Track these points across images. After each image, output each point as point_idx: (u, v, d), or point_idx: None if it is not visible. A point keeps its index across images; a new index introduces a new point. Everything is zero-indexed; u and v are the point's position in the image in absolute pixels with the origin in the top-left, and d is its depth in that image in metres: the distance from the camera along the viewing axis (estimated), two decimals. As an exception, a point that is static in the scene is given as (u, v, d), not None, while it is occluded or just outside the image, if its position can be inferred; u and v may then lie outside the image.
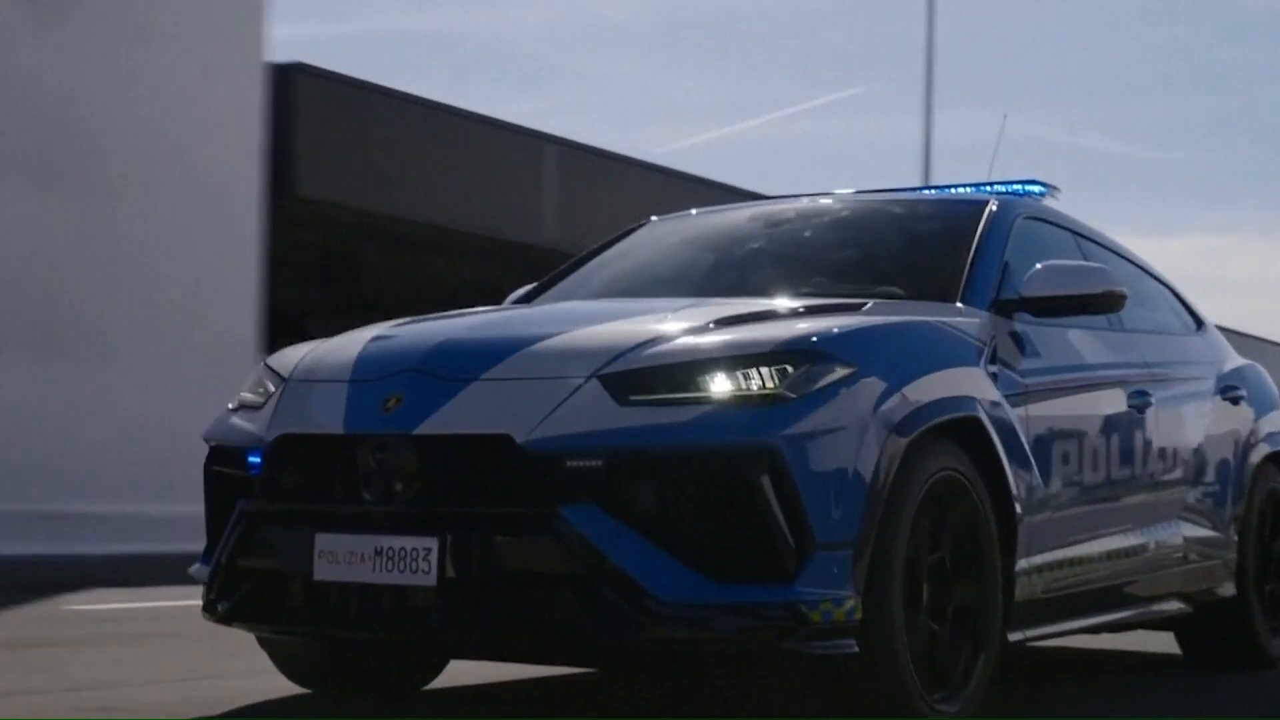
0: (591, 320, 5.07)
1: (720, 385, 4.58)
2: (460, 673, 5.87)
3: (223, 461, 5.15)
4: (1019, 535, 5.27)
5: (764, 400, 4.56)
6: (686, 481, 4.48)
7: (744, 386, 4.58)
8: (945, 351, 5.21)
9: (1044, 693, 6.31)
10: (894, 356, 4.90)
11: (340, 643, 5.32)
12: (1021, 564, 5.31)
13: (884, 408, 4.72)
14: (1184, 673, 6.99)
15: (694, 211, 7.01)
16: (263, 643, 5.46)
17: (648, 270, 6.53)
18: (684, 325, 4.88)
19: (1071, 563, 5.69)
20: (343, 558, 4.65)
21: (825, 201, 6.63)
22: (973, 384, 5.20)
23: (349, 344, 5.18)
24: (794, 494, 4.48)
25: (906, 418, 4.77)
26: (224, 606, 4.99)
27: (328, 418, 4.84)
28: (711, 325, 4.89)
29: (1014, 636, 5.29)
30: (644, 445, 4.49)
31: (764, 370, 4.61)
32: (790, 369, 4.63)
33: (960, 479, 5.00)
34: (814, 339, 4.75)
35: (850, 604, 4.54)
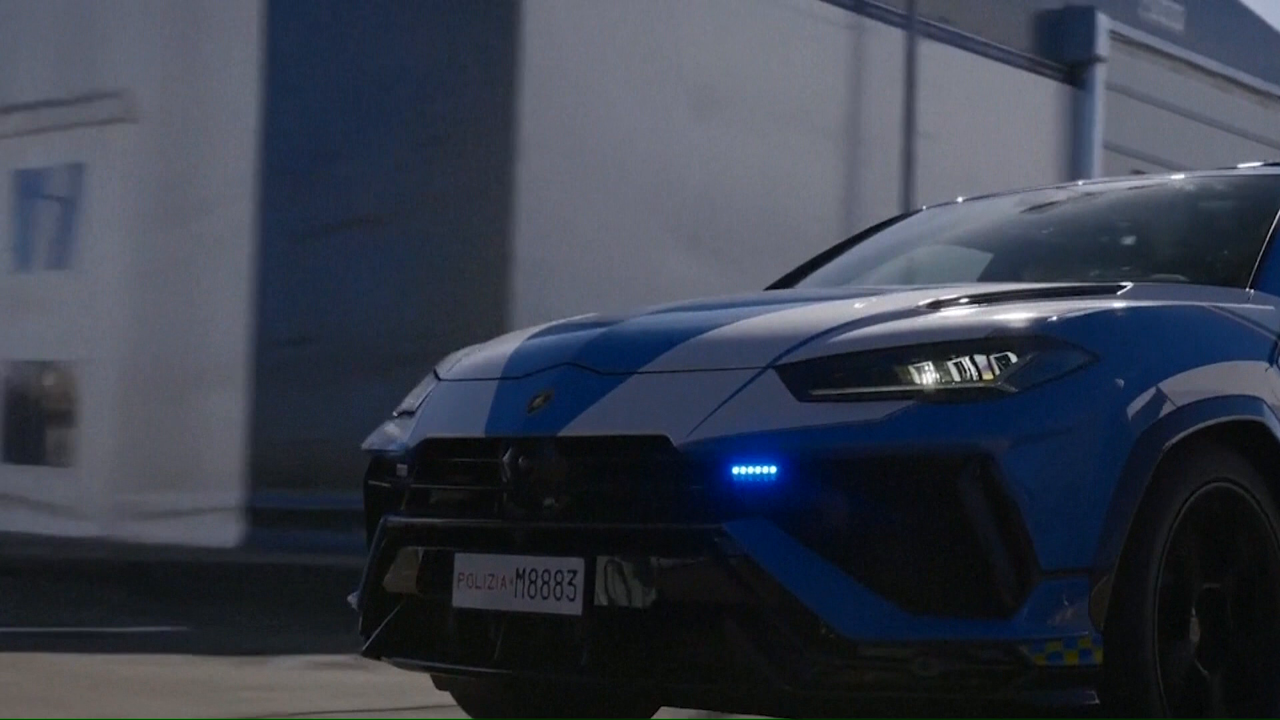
0: (781, 305, 4.31)
1: (924, 377, 3.77)
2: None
3: (377, 473, 4.56)
4: None
5: (977, 395, 3.73)
6: (879, 493, 3.68)
7: (953, 378, 3.76)
8: (1221, 342, 4.28)
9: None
10: (1149, 346, 4.01)
11: (524, 680, 4.63)
12: None
13: (1133, 406, 3.84)
14: None
15: (960, 200, 6.20)
16: (436, 680, 4.83)
17: (903, 259, 5.74)
18: (887, 309, 4.08)
19: None
20: (482, 581, 4.00)
21: (1103, 184, 5.74)
22: (1257, 381, 4.25)
23: (511, 339, 4.54)
24: (1013, 509, 3.64)
25: (1164, 419, 3.88)
26: (373, 636, 4.38)
27: (471, 419, 4.19)
28: (921, 308, 4.08)
29: (1317, 691, 4.33)
30: (827, 449, 3.71)
31: (980, 359, 3.79)
32: (1013, 357, 3.79)
33: (1241, 494, 4.07)
34: (1046, 322, 3.90)
35: (1086, 644, 3.67)
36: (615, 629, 3.82)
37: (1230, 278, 4.72)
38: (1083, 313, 4.00)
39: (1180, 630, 3.93)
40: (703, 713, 5.15)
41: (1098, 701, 3.70)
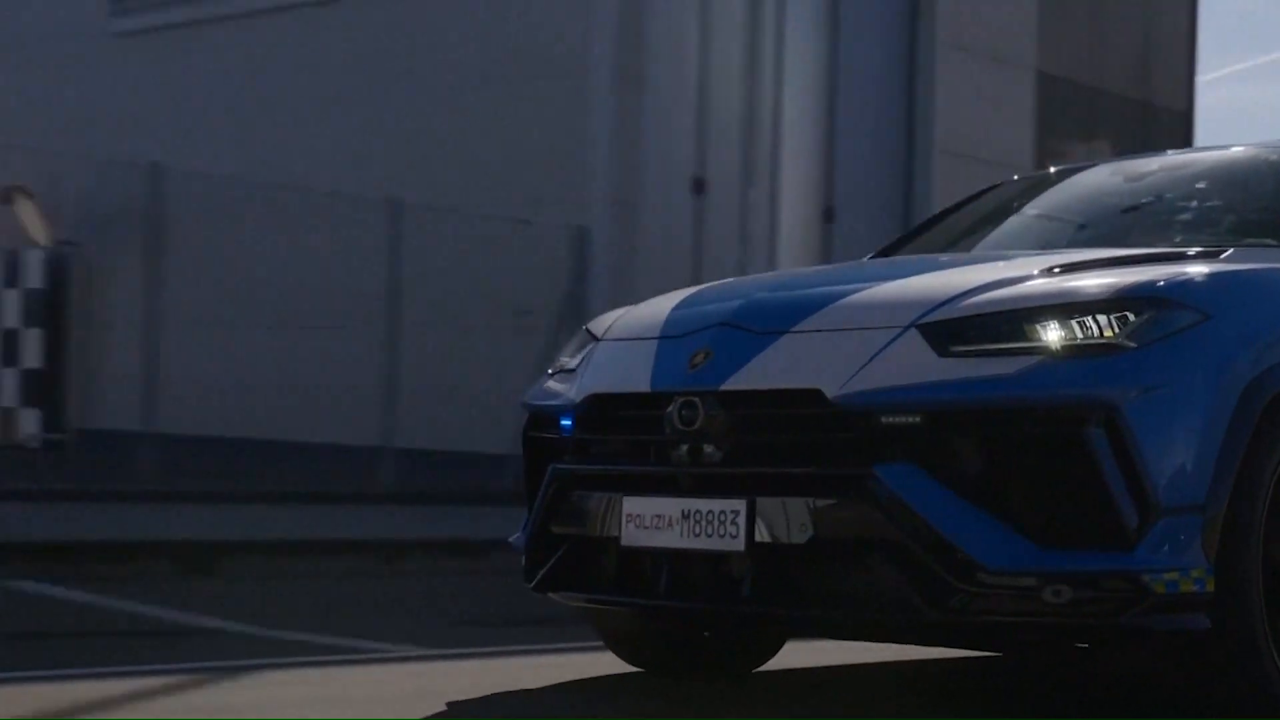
0: (914, 271, 4.74)
1: (1052, 334, 4.20)
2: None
3: (539, 426, 5.00)
4: None
5: (1101, 350, 4.16)
6: (1014, 439, 4.11)
7: (1079, 335, 4.19)
8: None
9: None
10: (1253, 305, 4.43)
11: (668, 617, 5.07)
12: None
13: (1239, 360, 4.26)
14: None
15: (1053, 169, 6.60)
16: (589, 617, 5.28)
17: (1004, 227, 6.15)
18: (1015, 273, 4.51)
19: None
20: (650, 521, 4.44)
21: (1192, 154, 6.14)
22: None
23: (663, 303, 4.97)
24: (1134, 453, 4.07)
25: (1267, 371, 4.29)
26: (540, 574, 4.83)
27: (636, 376, 4.63)
28: (1045, 272, 4.50)
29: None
30: (966, 400, 4.14)
31: (1101, 318, 4.21)
32: (1132, 316, 4.21)
33: None
34: (1159, 284, 4.32)
35: (1200, 574, 4.10)
36: (774, 564, 4.26)
37: None
38: (1193, 276, 4.42)
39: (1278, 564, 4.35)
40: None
41: (1210, 626, 4.12)
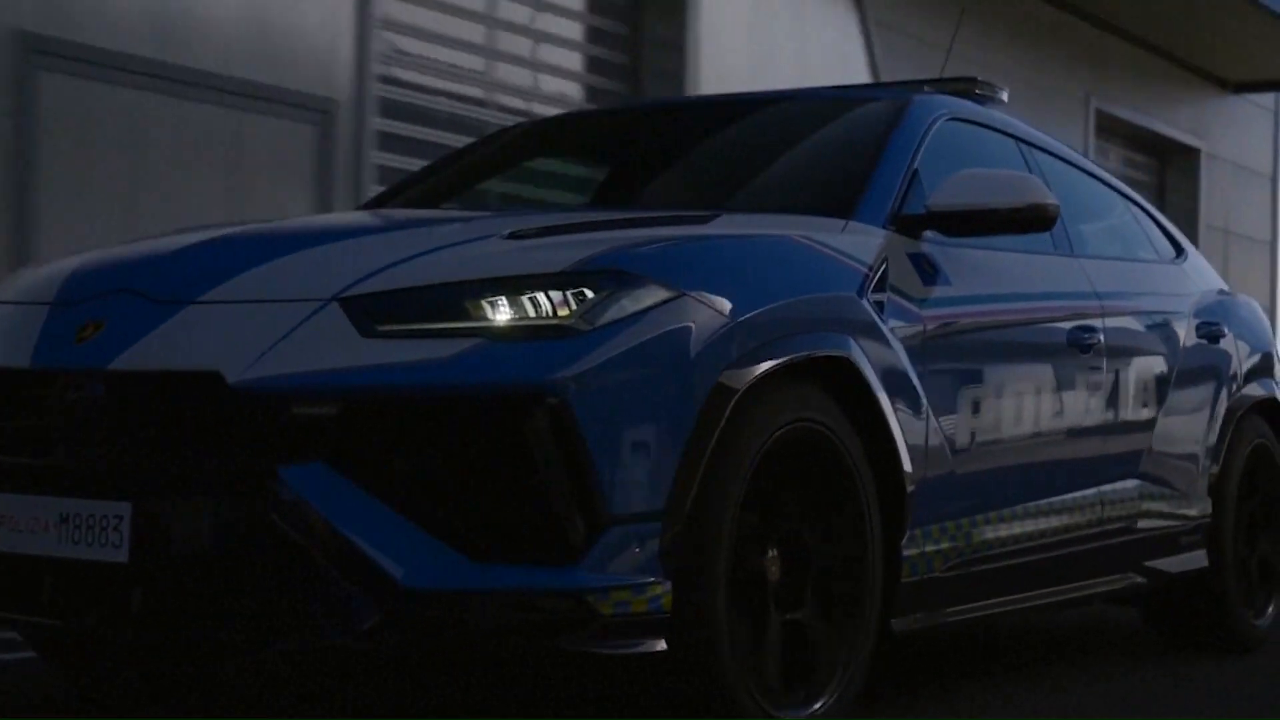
0: (352, 232, 4.10)
1: (496, 313, 3.59)
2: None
3: None
4: (908, 502, 4.29)
5: (549, 332, 3.57)
6: (443, 435, 3.50)
7: (526, 314, 3.60)
8: (808, 275, 4.20)
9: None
10: (732, 280, 3.90)
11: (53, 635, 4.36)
12: (912, 536, 4.34)
13: (712, 343, 3.73)
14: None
15: (577, 111, 6.04)
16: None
17: (502, 177, 5.58)
18: (466, 237, 3.91)
19: (984, 533, 4.70)
20: (24, 524, 3.72)
21: (723, 100, 5.64)
22: (845, 316, 4.19)
23: (73, 259, 4.22)
24: (582, 452, 3.49)
25: (743, 356, 3.78)
26: None
27: (18, 348, 3.87)
28: (500, 238, 3.91)
29: (899, 625, 4.33)
30: (390, 387, 3.51)
31: (554, 294, 3.62)
32: (589, 293, 3.64)
33: (822, 432, 4.01)
34: (623, 255, 3.76)
35: (656, 592, 3.57)
36: (165, 577, 3.59)
37: (836, 206, 4.64)
38: (665, 246, 3.87)
39: (758, 572, 3.87)
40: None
41: (665, 649, 3.61)
